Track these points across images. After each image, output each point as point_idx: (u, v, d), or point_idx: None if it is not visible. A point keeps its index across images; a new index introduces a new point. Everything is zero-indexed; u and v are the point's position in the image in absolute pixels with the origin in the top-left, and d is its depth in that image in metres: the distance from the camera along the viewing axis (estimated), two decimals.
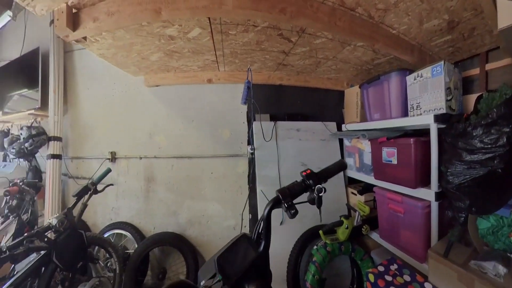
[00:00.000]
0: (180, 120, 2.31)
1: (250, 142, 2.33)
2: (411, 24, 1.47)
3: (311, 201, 0.89)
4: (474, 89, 1.78)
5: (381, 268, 1.50)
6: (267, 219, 0.81)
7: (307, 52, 1.85)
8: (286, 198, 0.82)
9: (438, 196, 1.45)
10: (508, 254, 1.18)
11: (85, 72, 2.43)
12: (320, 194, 0.87)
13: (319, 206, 0.89)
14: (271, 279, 0.83)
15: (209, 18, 1.32)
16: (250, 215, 2.34)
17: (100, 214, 2.33)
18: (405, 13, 1.36)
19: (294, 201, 0.85)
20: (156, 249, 2.14)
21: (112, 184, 1.97)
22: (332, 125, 2.53)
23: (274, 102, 2.46)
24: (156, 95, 2.29)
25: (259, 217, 2.12)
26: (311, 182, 0.88)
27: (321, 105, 2.63)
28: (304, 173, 0.92)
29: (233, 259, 0.71)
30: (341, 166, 1.01)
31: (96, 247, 2.02)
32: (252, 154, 2.28)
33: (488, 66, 1.67)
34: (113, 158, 2.29)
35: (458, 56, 1.86)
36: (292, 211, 0.81)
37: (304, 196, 0.91)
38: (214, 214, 2.35)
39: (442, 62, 1.46)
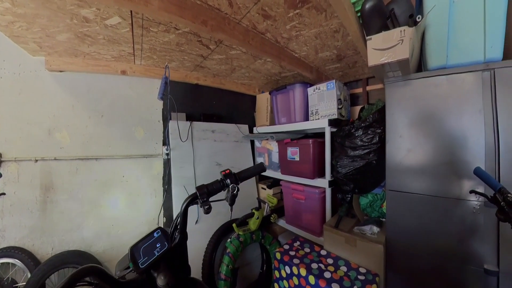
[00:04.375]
0: (88, 114, 1.95)
1: (165, 142, 2.25)
2: (309, 52, 1.86)
3: (227, 199, 0.94)
4: (359, 102, 2.44)
5: (286, 247, 1.80)
6: (184, 214, 0.85)
7: (223, 59, 1.99)
8: (202, 194, 0.86)
9: (331, 183, 1.87)
10: (381, 219, 1.70)
11: None
12: (234, 193, 0.92)
13: (231, 204, 0.94)
14: (189, 273, 0.91)
15: (131, 11, 1.25)
16: (165, 218, 2.25)
17: None
18: (304, 44, 1.72)
19: (213, 199, 0.91)
20: (55, 275, 1.69)
21: (4, 193, 1.46)
22: (245, 127, 2.76)
23: (191, 101, 2.44)
24: (60, 82, 1.84)
25: (174, 218, 2.09)
26: (228, 182, 0.92)
27: (235, 108, 2.80)
28: (223, 173, 0.95)
29: (146, 250, 0.74)
30: (260, 168, 1.08)
31: None
32: (168, 154, 2.21)
33: (368, 88, 2.35)
34: None
35: (346, 78, 2.48)
36: (206, 207, 0.85)
37: (222, 194, 0.96)
38: (125, 222, 2.10)
39: (334, 80, 1.93)
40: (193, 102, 2.47)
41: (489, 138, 1.09)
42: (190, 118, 2.36)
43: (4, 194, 1.50)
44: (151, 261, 0.72)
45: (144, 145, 2.20)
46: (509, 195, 0.72)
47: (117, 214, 2.07)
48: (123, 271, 0.80)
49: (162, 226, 2.17)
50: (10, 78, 1.69)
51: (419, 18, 1.11)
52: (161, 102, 2.25)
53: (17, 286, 1.63)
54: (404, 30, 1.09)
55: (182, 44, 1.69)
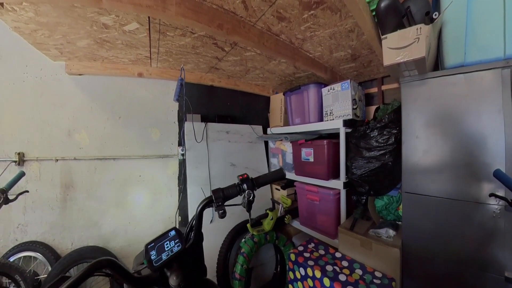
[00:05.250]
0: (106, 116, 2.03)
1: (181, 143, 2.30)
2: (323, 52, 1.84)
3: (244, 204, 0.91)
4: (374, 102, 2.40)
5: (300, 248, 1.79)
6: (199, 217, 0.85)
7: (238, 60, 2.01)
8: (218, 198, 0.85)
9: (346, 185, 1.84)
10: (397, 222, 1.66)
11: None
12: (249, 199, 0.89)
13: (248, 210, 0.91)
14: (205, 273, 0.91)
15: (149, 17, 1.30)
16: (180, 217, 2.30)
17: (0, 234, 1.75)
18: (319, 44, 1.71)
19: (228, 203, 0.89)
20: (74, 268, 1.79)
21: (27, 191, 1.55)
22: (259, 128, 2.77)
23: (205, 102, 2.49)
24: (79, 85, 1.94)
25: (189, 219, 2.13)
26: (245, 187, 0.89)
27: (249, 109, 2.83)
28: (240, 177, 0.92)
29: (160, 249, 0.75)
30: (279, 174, 1.02)
31: None
32: (183, 155, 2.26)
33: (383, 87, 2.30)
34: (21, 160, 1.74)
35: (361, 78, 2.44)
36: (221, 212, 0.84)
37: (239, 199, 0.92)
38: (142, 220, 2.17)
39: (349, 80, 1.90)
40: (208, 104, 2.51)
41: (510, 139, 1.04)
42: (205, 119, 2.41)
43: (27, 191, 1.59)
44: (165, 261, 0.74)
45: (160, 146, 2.26)
46: None
47: (134, 212, 2.14)
48: (139, 266, 0.82)
49: (177, 225, 2.25)
50: (32, 82, 1.79)
51: (435, 15, 1.08)
52: (177, 104, 2.31)
53: (38, 278, 1.73)
54: (421, 28, 1.06)
55: (197, 47, 1.72)
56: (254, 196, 0.90)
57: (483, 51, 1.10)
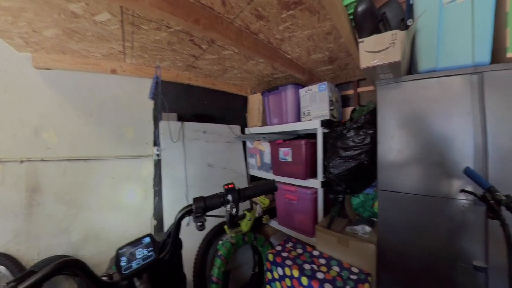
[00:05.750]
0: (76, 114, 1.88)
1: (156, 142, 2.21)
2: (301, 53, 1.87)
3: (226, 218, 0.82)
4: (350, 103, 2.48)
5: (278, 248, 1.80)
6: (177, 225, 0.78)
7: (215, 59, 1.98)
8: (198, 208, 0.77)
9: (323, 184, 1.89)
10: (373, 219, 1.72)
11: None
12: (232, 213, 0.80)
13: (229, 226, 0.84)
14: (184, 282, 0.86)
15: (121, 6, 1.22)
16: (155, 221, 2.20)
17: None
18: (297, 45, 1.73)
19: (211, 213, 0.80)
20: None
21: None
22: (237, 128, 2.75)
23: (182, 101, 2.41)
24: (47, 80, 1.77)
25: (164, 222, 2.05)
26: (230, 198, 0.80)
27: (226, 108, 2.78)
28: (226, 186, 0.83)
29: (132, 256, 0.70)
30: (270, 186, 0.92)
31: None
32: (159, 155, 2.17)
33: (359, 90, 2.38)
34: None
35: (338, 80, 2.51)
36: (199, 223, 0.76)
37: (222, 210, 0.84)
38: (115, 225, 2.04)
39: (326, 82, 1.94)
40: (185, 102, 2.44)
41: (478, 139, 1.12)
42: (181, 118, 2.33)
43: None
44: (134, 270, 0.69)
45: (134, 146, 2.15)
46: (497, 193, 0.75)
47: (106, 217, 2.01)
48: (111, 270, 0.77)
49: (152, 229, 2.15)
50: None
51: (410, 22, 1.14)
52: (152, 102, 2.21)
53: None
54: (396, 34, 1.11)
55: (173, 43, 1.66)
56: (238, 211, 0.81)
57: (453, 57, 1.18)
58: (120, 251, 0.69)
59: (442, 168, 1.21)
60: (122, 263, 0.68)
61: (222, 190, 0.84)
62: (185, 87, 2.41)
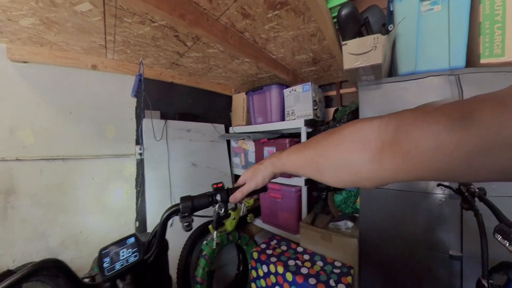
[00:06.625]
0: (54, 111, 1.78)
1: (139, 141, 2.15)
2: (286, 54, 1.90)
3: (214, 218, 0.80)
4: (332, 104, 2.55)
5: (263, 246, 1.83)
6: (163, 225, 0.76)
7: (200, 57, 1.96)
8: (185, 208, 0.75)
9: (307, 181, 1.93)
10: (355, 214, 1.78)
11: None
12: (221, 213, 0.78)
13: (216, 228, 0.82)
14: (170, 284, 0.85)
15: None
16: (137, 223, 2.15)
17: None
18: (282, 46, 1.76)
19: (198, 213, 0.78)
20: None
21: None
22: (221, 127, 2.74)
23: (165, 99, 2.36)
24: (23, 74, 1.66)
25: (147, 224, 2.00)
26: (218, 198, 0.78)
27: (210, 107, 2.76)
28: (214, 186, 0.81)
29: (115, 256, 0.69)
30: (260, 188, 0.88)
31: None
32: (141, 154, 2.12)
33: (342, 91, 2.46)
34: None
35: (321, 82, 2.57)
36: (186, 223, 0.74)
37: (210, 210, 0.81)
38: (95, 228, 1.95)
39: (310, 82, 1.99)
40: (168, 101, 2.39)
41: None
42: (164, 116, 2.28)
43: None
44: (117, 271, 0.67)
45: (116, 145, 2.07)
46: (471, 186, 0.82)
47: (86, 219, 1.91)
48: (93, 271, 0.75)
49: (136, 231, 2.09)
50: None
51: (391, 27, 1.20)
52: (134, 100, 2.14)
53: None
54: (378, 38, 1.17)
55: (157, 39, 1.62)
56: (226, 211, 0.79)
57: (431, 61, 1.26)
58: (103, 252, 0.67)
59: None
60: (105, 264, 0.66)
61: (206, 190, 0.82)
62: (168, 85, 2.36)
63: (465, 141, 0.29)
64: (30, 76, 1.71)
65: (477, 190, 0.81)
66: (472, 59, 1.19)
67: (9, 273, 0.52)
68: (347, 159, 0.47)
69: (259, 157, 2.28)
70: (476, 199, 0.80)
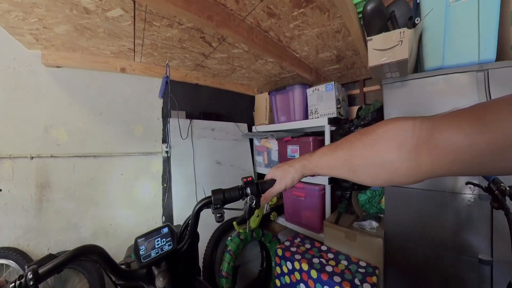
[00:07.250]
0: (86, 112, 1.92)
1: (165, 140, 2.25)
2: (310, 52, 1.90)
3: (245, 211, 0.81)
4: (356, 103, 2.51)
5: (287, 243, 1.83)
6: (196, 217, 0.80)
7: (225, 58, 2.01)
8: (217, 200, 0.77)
9: (330, 180, 1.91)
10: (379, 215, 1.74)
11: None
12: (252, 205, 0.80)
13: (247, 218, 0.83)
14: (199, 274, 0.88)
15: (134, 2, 1.23)
16: (164, 218, 2.25)
17: None
18: (306, 44, 1.76)
19: (229, 206, 0.81)
20: (51, 278, 1.63)
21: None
22: (244, 126, 2.79)
23: (190, 100, 2.46)
24: (57, 78, 1.80)
25: (174, 219, 2.08)
26: (248, 191, 0.80)
27: (234, 107, 2.83)
28: (244, 179, 0.83)
29: (151, 245, 0.72)
30: None
31: None
32: (168, 152, 2.22)
33: (365, 89, 2.42)
34: None
35: (344, 80, 2.55)
36: (218, 215, 0.77)
37: (240, 203, 0.83)
38: (124, 222, 2.07)
39: (333, 82, 1.98)
40: (193, 101, 2.48)
41: None
42: (189, 116, 2.37)
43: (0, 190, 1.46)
44: (153, 258, 0.71)
45: (143, 143, 2.19)
46: (502, 184, 0.78)
47: (115, 213, 2.04)
48: (129, 258, 0.80)
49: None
50: (3, 72, 1.62)
51: (417, 20, 1.17)
52: (161, 101, 2.26)
53: None
54: (404, 32, 1.14)
55: (184, 41, 1.68)
56: (257, 203, 0.81)
57: (459, 55, 1.21)
58: (139, 240, 0.71)
59: None
60: (141, 252, 0.70)
61: (229, 187, 0.84)
62: (193, 87, 2.46)
63: (495, 138, 0.33)
64: (63, 80, 1.83)
65: (507, 188, 0.77)
66: (502, 51, 1.13)
67: (51, 256, 0.57)
68: (384, 158, 0.48)
69: (283, 155, 2.29)
70: (507, 197, 0.76)
